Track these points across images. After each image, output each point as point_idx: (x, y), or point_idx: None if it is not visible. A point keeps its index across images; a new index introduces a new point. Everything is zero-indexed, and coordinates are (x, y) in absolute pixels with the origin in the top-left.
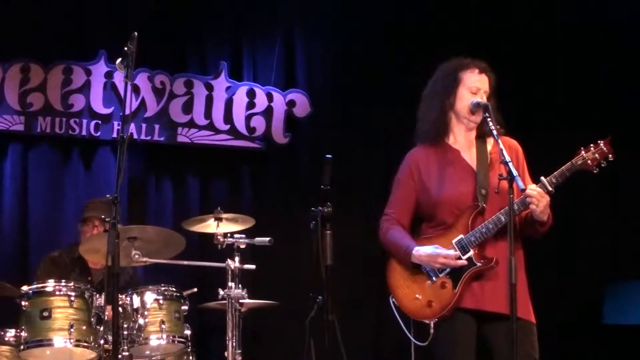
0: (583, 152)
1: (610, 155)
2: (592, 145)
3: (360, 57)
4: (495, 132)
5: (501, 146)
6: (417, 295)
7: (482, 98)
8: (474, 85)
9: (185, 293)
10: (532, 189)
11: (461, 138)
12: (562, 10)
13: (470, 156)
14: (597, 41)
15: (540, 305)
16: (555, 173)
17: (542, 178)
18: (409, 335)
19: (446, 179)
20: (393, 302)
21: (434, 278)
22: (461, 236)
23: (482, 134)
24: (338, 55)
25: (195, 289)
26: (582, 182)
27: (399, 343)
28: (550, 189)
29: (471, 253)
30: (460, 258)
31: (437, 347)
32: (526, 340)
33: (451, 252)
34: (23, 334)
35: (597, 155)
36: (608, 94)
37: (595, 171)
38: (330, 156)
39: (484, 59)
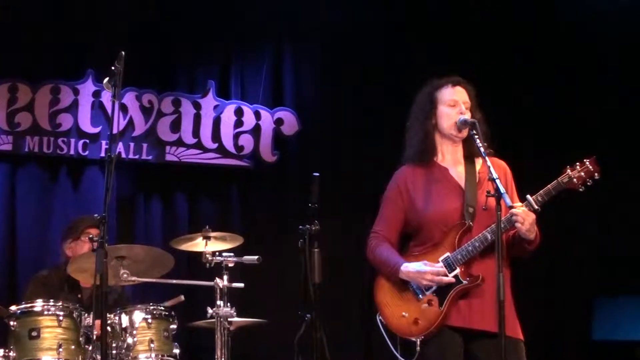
0: (569, 170)
1: (596, 174)
2: (578, 163)
3: (348, 75)
4: (482, 150)
5: (488, 163)
6: (403, 313)
7: (462, 110)
8: (451, 99)
9: (170, 303)
10: (517, 207)
11: (449, 156)
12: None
13: (458, 174)
14: (585, 59)
15: (528, 322)
16: (541, 191)
17: (528, 196)
18: (396, 353)
19: (434, 197)
20: (380, 319)
21: (420, 296)
22: (448, 254)
23: (470, 154)
24: (326, 73)
25: (182, 297)
26: (571, 198)
27: None
28: (536, 207)
29: (457, 271)
30: (447, 275)
31: None
32: (514, 358)
33: (439, 268)
34: (12, 353)
35: (582, 173)
36: (595, 110)
37: (581, 189)
38: (317, 174)
39: (474, 77)
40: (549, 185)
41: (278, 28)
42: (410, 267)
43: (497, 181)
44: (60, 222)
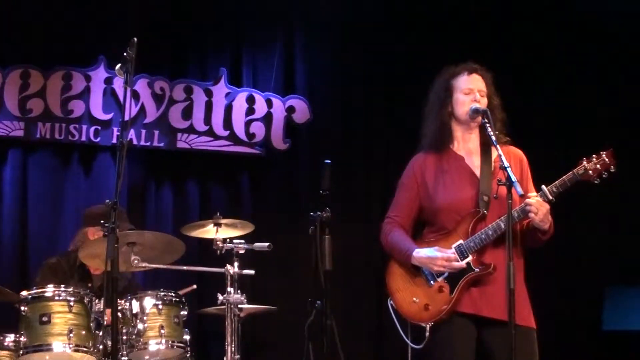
0: (585, 162)
1: (612, 167)
2: (594, 155)
3: (359, 64)
4: (493, 138)
5: (500, 152)
6: (414, 299)
7: (477, 98)
8: (466, 87)
9: (183, 292)
10: (531, 197)
11: (466, 144)
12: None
13: (474, 163)
14: (602, 50)
15: (540, 311)
16: (556, 182)
17: (543, 187)
18: (406, 339)
19: (448, 185)
20: (391, 304)
21: (431, 282)
22: (461, 241)
23: (486, 143)
24: (338, 62)
25: (194, 286)
26: (583, 189)
27: (397, 346)
28: (550, 197)
29: (470, 258)
30: (458, 261)
31: (432, 350)
32: (526, 346)
33: (451, 254)
34: (22, 338)
35: (598, 166)
36: (611, 103)
37: (596, 182)
38: (329, 161)
39: (486, 63)
40: (564, 177)
41: (290, 16)
42: (422, 253)
43: (509, 169)
44: (72, 209)
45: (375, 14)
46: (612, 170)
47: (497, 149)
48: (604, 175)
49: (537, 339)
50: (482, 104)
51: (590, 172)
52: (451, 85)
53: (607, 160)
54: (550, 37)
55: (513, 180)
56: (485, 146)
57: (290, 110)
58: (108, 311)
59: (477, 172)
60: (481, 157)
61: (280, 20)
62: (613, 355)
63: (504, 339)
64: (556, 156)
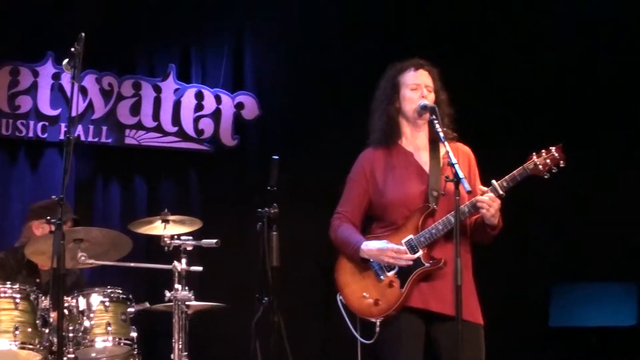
0: (535, 157)
1: (561, 162)
2: (544, 150)
3: (309, 60)
4: (441, 134)
5: (447, 148)
6: (364, 294)
7: (424, 93)
8: (413, 83)
9: (136, 308)
10: (484, 193)
11: (414, 140)
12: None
13: (422, 158)
14: (550, 47)
15: (489, 308)
16: (506, 177)
17: (494, 181)
18: (355, 334)
19: (398, 180)
20: (340, 300)
21: (381, 277)
22: (411, 236)
23: (435, 138)
24: (286, 58)
25: (147, 304)
26: (531, 186)
27: (346, 342)
28: (501, 192)
29: (420, 253)
30: (409, 255)
31: (382, 345)
32: (473, 342)
33: (401, 247)
34: None
35: (548, 160)
36: (562, 99)
37: (546, 176)
38: (277, 157)
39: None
40: (514, 171)
41: (240, 12)
42: (371, 245)
43: (456, 166)
44: (18, 204)
45: (324, 11)
46: (562, 165)
47: (445, 146)
48: (553, 170)
49: (485, 334)
50: (429, 99)
51: (540, 166)
52: (398, 81)
53: (556, 155)
54: (502, 38)
55: (460, 176)
56: (434, 142)
57: (239, 106)
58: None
59: (426, 168)
60: (430, 153)
61: (231, 17)
62: (559, 350)
63: (452, 334)
64: (506, 152)
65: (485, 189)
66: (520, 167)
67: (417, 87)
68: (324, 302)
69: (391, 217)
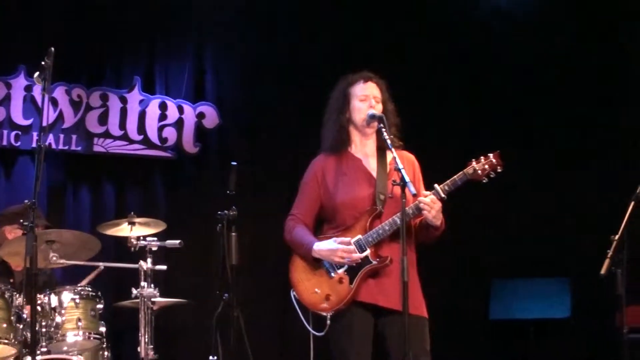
0: (474, 163)
1: (499, 167)
2: (482, 157)
3: (265, 73)
4: (389, 142)
5: (394, 154)
6: (316, 289)
7: (372, 104)
8: (362, 94)
9: (92, 275)
10: (425, 196)
11: (363, 148)
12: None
13: (371, 165)
14: (487, 58)
15: (432, 302)
16: (447, 181)
17: (436, 185)
18: (308, 327)
19: (347, 184)
20: (294, 295)
21: (332, 274)
22: (359, 236)
23: (382, 146)
24: (245, 71)
25: (101, 266)
26: (471, 189)
27: (300, 335)
28: (442, 195)
29: (368, 252)
30: (357, 254)
31: (333, 337)
32: (418, 334)
33: (350, 247)
34: None
35: (486, 166)
36: (499, 108)
37: (484, 180)
38: (235, 163)
39: (386, 74)
40: (455, 176)
41: (201, 26)
42: (322, 245)
43: (403, 171)
44: None
45: (279, 26)
46: (499, 171)
47: (392, 152)
48: (491, 175)
49: (428, 327)
50: (377, 109)
51: (479, 172)
52: (348, 93)
53: (494, 161)
54: (443, 48)
55: (407, 180)
56: (381, 150)
57: (201, 116)
58: (28, 306)
59: (374, 173)
60: (377, 160)
61: (192, 30)
62: (498, 341)
63: (398, 327)
64: (447, 158)
65: (428, 193)
66: (461, 173)
67: (366, 98)
68: (282, 298)
69: (340, 219)
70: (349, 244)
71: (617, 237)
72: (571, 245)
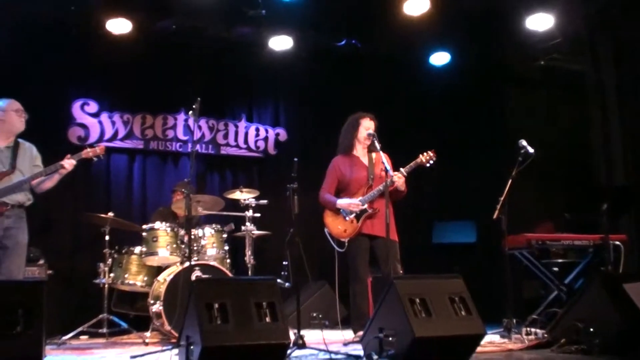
0: (421, 155)
1: (434, 159)
2: (426, 152)
3: (323, 104)
4: (378, 146)
5: (382, 154)
6: (339, 226)
7: (371, 129)
8: (368, 126)
9: (227, 227)
10: (396, 175)
11: (360, 151)
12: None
13: (364, 160)
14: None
15: (400, 234)
16: (406, 166)
17: (401, 168)
18: (335, 246)
19: (353, 171)
20: (326, 230)
21: (347, 218)
22: (361, 197)
23: (370, 150)
24: (301, 109)
25: (232, 225)
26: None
27: (330, 252)
28: (405, 174)
29: (366, 205)
30: (360, 206)
31: (349, 253)
32: (394, 250)
33: (357, 202)
34: (143, 248)
35: (428, 157)
36: (436, 117)
37: (427, 165)
38: (296, 159)
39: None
40: (411, 163)
41: (276, 86)
42: (341, 202)
43: (386, 163)
44: (167, 189)
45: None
46: (435, 160)
47: (379, 152)
48: (431, 162)
49: (399, 247)
50: (372, 130)
51: (424, 160)
52: (358, 123)
53: (432, 155)
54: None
55: (387, 167)
56: (370, 152)
57: (277, 134)
58: (186, 235)
59: (367, 164)
60: (368, 157)
61: (272, 88)
62: (439, 259)
63: (384, 247)
64: (404, 153)
65: (397, 172)
66: (414, 161)
67: (369, 126)
68: (320, 231)
69: (350, 190)
70: (357, 201)
71: (502, 197)
72: (477, 198)
